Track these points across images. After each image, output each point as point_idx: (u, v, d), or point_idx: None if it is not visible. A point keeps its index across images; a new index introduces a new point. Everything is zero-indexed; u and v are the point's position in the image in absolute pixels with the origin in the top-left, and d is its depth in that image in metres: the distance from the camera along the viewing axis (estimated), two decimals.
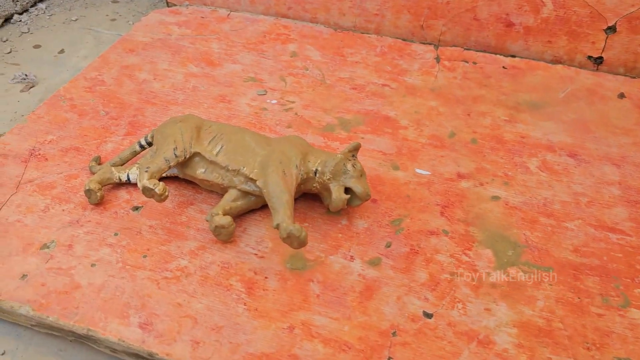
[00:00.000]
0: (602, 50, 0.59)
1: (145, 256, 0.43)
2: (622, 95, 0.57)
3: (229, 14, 0.71)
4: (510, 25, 0.61)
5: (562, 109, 0.56)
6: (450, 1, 0.62)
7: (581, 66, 0.61)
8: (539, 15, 0.59)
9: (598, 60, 0.60)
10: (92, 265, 0.42)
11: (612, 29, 0.58)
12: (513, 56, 0.62)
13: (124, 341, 0.37)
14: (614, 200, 0.47)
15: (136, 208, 0.47)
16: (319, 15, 0.68)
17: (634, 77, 0.60)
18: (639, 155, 0.51)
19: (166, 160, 0.44)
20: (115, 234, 0.44)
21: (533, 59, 0.62)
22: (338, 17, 0.67)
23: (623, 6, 0.56)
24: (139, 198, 0.47)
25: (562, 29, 0.59)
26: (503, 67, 0.61)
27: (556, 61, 0.61)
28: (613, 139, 0.53)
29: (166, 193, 0.42)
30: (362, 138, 0.53)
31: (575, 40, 0.59)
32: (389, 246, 0.43)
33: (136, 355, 0.38)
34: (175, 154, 0.45)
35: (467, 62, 0.62)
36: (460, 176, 0.49)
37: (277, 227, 0.40)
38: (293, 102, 0.57)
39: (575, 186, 0.48)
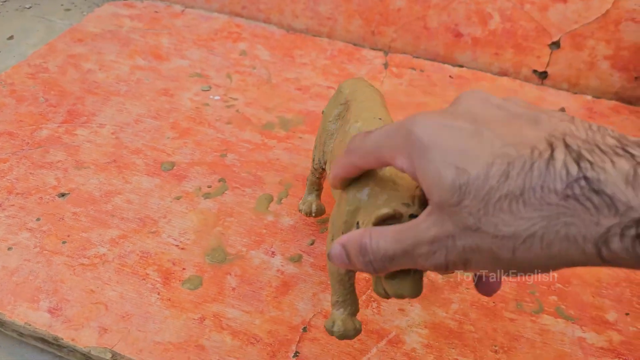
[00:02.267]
0: (547, 65, 0.60)
1: (64, 242, 0.42)
2: (562, 110, 0.58)
3: (183, 10, 0.71)
4: (459, 35, 0.61)
5: None
6: (401, 8, 0.62)
7: (526, 79, 0.62)
8: (487, 27, 0.60)
9: (543, 75, 0.61)
10: (9, 249, 0.41)
11: (556, 45, 0.59)
12: (461, 66, 0.63)
13: (30, 325, 0.37)
14: None
15: (62, 195, 0.46)
16: (272, 16, 0.68)
17: (576, 93, 0.60)
18: None
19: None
20: (38, 219, 0.44)
21: (480, 70, 0.63)
22: (291, 19, 0.67)
23: (567, 22, 0.57)
24: (66, 185, 0.47)
25: (509, 42, 0.60)
26: (450, 76, 0.62)
27: (502, 73, 0.62)
28: None
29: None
30: (301, 137, 0.53)
31: (521, 54, 0.60)
32: (311, 244, 0.43)
33: (42, 339, 0.37)
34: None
35: (414, 69, 0.63)
36: None
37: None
38: (236, 99, 0.57)
39: None
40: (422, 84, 0.61)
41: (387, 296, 0.24)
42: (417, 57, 0.64)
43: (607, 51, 0.58)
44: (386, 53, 0.65)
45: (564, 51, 0.59)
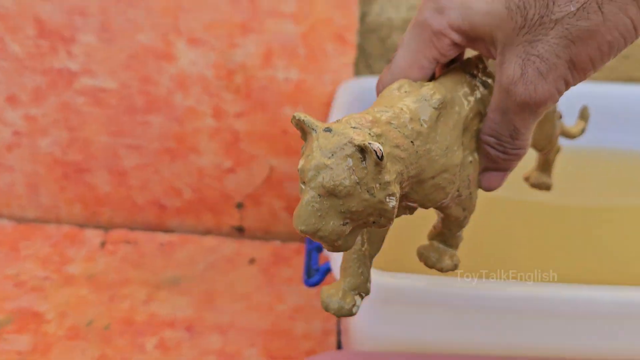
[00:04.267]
0: (241, 221, 0.71)
1: None
2: (252, 261, 0.68)
3: None
4: (163, 207, 0.70)
5: (198, 282, 0.66)
6: (111, 191, 0.71)
7: (228, 235, 0.72)
8: (183, 198, 0.70)
9: (240, 229, 0.71)
10: None
11: (240, 205, 0.70)
12: (172, 232, 0.72)
13: None
14: None
15: None
16: (2, 210, 0.74)
17: (268, 240, 0.71)
18: (246, 318, 0.61)
19: None
20: None
21: (187, 233, 0.72)
22: (19, 210, 0.74)
23: (243, 188, 0.68)
24: None
25: (205, 207, 0.70)
26: (161, 244, 0.71)
27: (206, 232, 0.72)
28: (229, 306, 0.63)
29: None
30: (6, 339, 0.58)
31: (218, 215, 0.70)
32: None
33: None
34: None
35: (129, 242, 0.71)
36: None
37: None
38: None
39: (181, 359, 0.57)
40: (134, 257, 0.69)
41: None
42: (133, 229, 0.73)
43: (280, 203, 0.70)
44: (106, 230, 0.73)
45: (248, 209, 0.71)
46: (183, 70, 0.62)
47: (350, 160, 0.19)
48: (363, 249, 0.25)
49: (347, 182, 0.19)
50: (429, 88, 0.24)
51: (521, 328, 0.39)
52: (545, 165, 0.36)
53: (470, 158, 0.25)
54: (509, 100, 0.23)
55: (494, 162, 0.26)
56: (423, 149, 0.22)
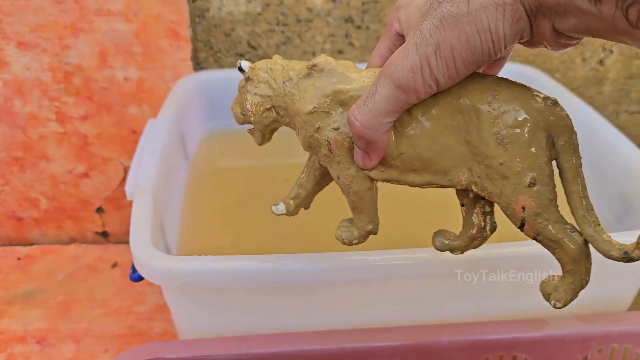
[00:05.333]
0: (104, 226, 0.69)
1: None
2: (115, 265, 0.66)
3: None
4: (20, 219, 0.68)
5: (54, 293, 0.64)
6: None
7: (92, 242, 0.70)
8: (39, 208, 0.67)
9: (104, 234, 0.70)
10: None
11: (100, 210, 0.68)
12: (32, 244, 0.69)
13: None
14: None
15: None
16: None
17: None
18: (103, 324, 0.60)
19: None
20: None
21: (49, 244, 0.70)
22: None
23: (100, 192, 0.67)
24: None
25: (64, 216, 0.68)
26: (18, 258, 0.68)
27: (70, 241, 0.69)
28: (87, 314, 0.61)
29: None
30: None
31: (79, 222, 0.68)
32: None
33: None
34: None
35: None
36: None
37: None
38: None
39: None
40: None
41: None
42: None
43: None
44: None
45: (110, 213, 0.69)
46: (17, 76, 0.60)
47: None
48: (302, 176, 0.33)
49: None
50: (323, 56, 0.29)
51: (327, 301, 0.40)
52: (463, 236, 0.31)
53: (334, 125, 0.28)
54: (385, 66, 0.25)
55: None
56: (288, 90, 0.29)
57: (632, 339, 0.41)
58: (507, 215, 0.26)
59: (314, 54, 0.66)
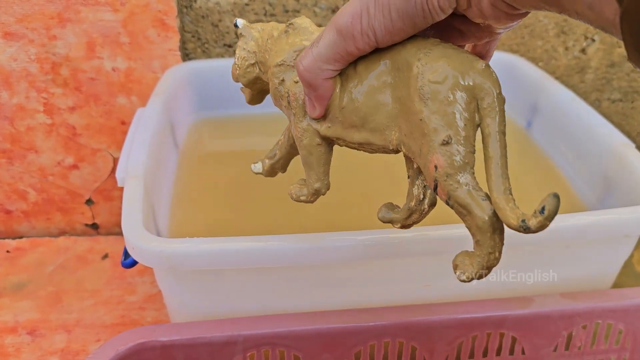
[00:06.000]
0: (93, 218, 0.69)
1: None
2: (105, 256, 0.67)
3: None
4: (8, 212, 0.68)
5: (44, 284, 0.64)
6: None
7: (83, 234, 0.70)
8: (28, 200, 0.67)
9: (94, 226, 0.70)
10: None
11: (90, 201, 0.68)
12: (21, 237, 0.69)
13: None
14: None
15: None
16: None
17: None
18: (94, 314, 0.60)
19: None
20: None
21: (39, 236, 0.70)
22: None
23: (89, 184, 0.67)
24: None
25: (53, 208, 0.68)
26: (7, 251, 0.68)
27: (60, 234, 0.69)
28: (78, 305, 0.61)
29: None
30: None
31: (68, 214, 0.68)
32: None
33: None
34: None
35: None
36: None
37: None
38: None
39: None
40: None
41: None
42: None
43: None
44: None
45: (99, 204, 0.69)
46: (4, 67, 0.60)
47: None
48: (280, 138, 0.34)
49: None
50: (302, 17, 0.31)
51: (318, 281, 0.40)
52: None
53: (296, 79, 0.29)
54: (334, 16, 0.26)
55: None
56: (269, 46, 0.31)
57: (615, 315, 0.42)
58: (425, 178, 0.26)
59: None
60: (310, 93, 0.27)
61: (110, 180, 0.68)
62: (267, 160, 0.35)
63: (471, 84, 0.24)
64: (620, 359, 0.44)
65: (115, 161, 0.67)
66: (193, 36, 0.66)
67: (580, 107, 0.53)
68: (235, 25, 0.31)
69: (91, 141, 0.65)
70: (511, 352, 0.43)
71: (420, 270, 0.40)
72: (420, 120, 0.25)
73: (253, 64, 0.31)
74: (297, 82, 0.29)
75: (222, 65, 0.61)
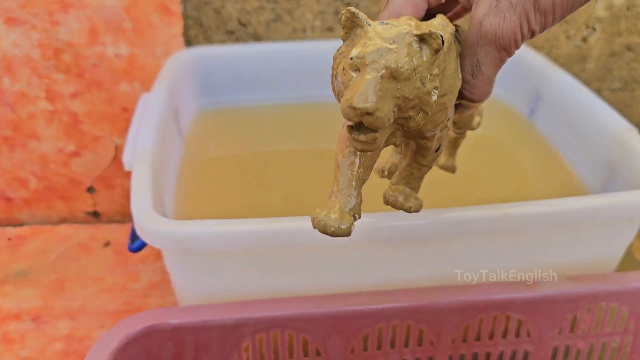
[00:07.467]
0: (95, 206, 0.69)
1: None
2: (107, 244, 0.66)
3: None
4: (9, 200, 0.67)
5: (47, 272, 0.64)
6: None
7: (84, 222, 0.70)
8: (29, 188, 0.67)
9: (95, 214, 0.70)
10: None
11: (92, 189, 0.68)
12: (22, 225, 0.69)
13: None
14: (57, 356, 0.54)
15: None
16: None
17: (125, 222, 0.70)
18: (98, 301, 0.60)
19: None
20: None
21: (39, 224, 0.69)
22: None
23: (91, 171, 0.67)
24: None
25: (55, 195, 0.68)
26: (9, 238, 0.68)
27: (61, 221, 0.69)
28: (81, 292, 0.61)
29: None
30: None
31: (70, 202, 0.68)
32: None
33: None
34: None
35: None
36: None
37: None
38: None
39: (23, 351, 0.55)
40: None
41: None
42: None
43: None
44: None
45: (101, 192, 0.69)
46: (6, 53, 0.60)
47: (411, 47, 0.22)
48: (359, 171, 0.26)
49: (407, 66, 0.21)
50: (441, 18, 0.25)
51: (328, 264, 0.41)
52: (452, 149, 0.38)
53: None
54: (479, 32, 0.24)
55: None
56: (443, 65, 0.24)
57: (619, 297, 0.42)
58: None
59: (304, 32, 0.67)
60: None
61: (112, 168, 0.68)
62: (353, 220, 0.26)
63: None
64: (623, 341, 0.44)
65: (117, 149, 0.67)
66: (195, 23, 0.66)
67: (582, 93, 0.53)
68: (443, 43, 0.24)
69: (93, 128, 0.65)
70: (517, 335, 0.43)
71: (431, 254, 0.41)
72: None
73: None
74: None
75: (226, 52, 0.61)
